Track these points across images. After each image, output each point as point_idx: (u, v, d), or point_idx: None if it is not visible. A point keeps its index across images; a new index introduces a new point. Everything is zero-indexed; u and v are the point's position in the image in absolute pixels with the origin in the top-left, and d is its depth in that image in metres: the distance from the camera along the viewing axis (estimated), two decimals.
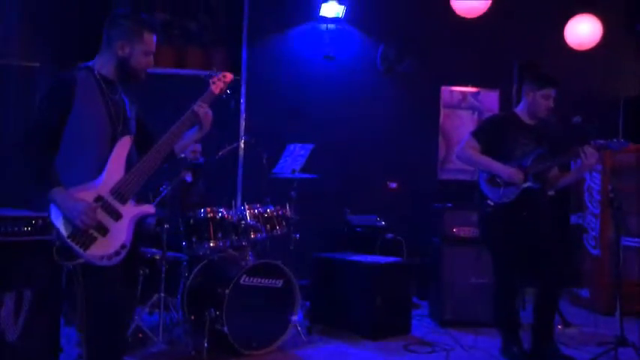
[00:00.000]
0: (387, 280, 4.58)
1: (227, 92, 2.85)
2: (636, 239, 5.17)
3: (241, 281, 3.94)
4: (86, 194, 2.45)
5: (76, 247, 2.40)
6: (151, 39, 2.63)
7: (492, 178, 3.85)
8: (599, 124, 3.91)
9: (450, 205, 5.06)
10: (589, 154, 3.65)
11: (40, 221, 3.15)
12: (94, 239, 2.43)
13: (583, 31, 5.83)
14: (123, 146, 2.56)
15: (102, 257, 2.43)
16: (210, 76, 2.82)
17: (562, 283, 4.06)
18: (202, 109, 2.71)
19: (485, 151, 3.86)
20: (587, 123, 3.93)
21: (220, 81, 2.82)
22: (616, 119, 6.79)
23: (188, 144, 2.83)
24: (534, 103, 3.85)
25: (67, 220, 2.40)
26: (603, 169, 5.66)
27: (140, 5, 5.86)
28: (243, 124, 6.03)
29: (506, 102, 6.54)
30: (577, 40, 5.90)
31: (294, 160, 4.81)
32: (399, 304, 4.65)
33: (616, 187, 4.70)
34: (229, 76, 2.86)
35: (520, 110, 3.97)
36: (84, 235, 2.41)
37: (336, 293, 4.76)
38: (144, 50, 2.61)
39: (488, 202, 3.85)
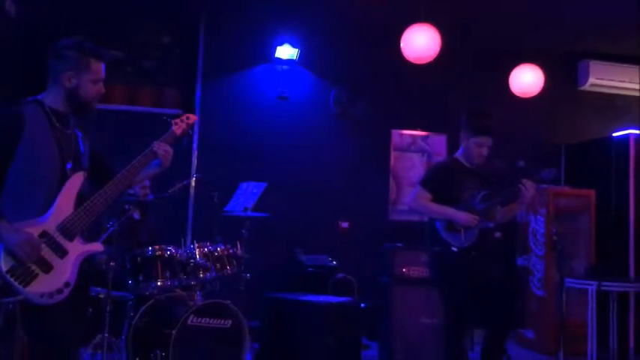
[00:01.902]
0: (337, 321, 4.55)
1: (189, 133, 2.85)
2: (579, 280, 5.32)
3: (189, 321, 3.84)
4: (31, 229, 2.36)
5: (15, 283, 2.30)
6: (98, 67, 2.57)
7: (450, 225, 3.89)
8: (542, 169, 4.06)
9: (400, 245, 5.11)
10: (528, 186, 3.80)
11: None
12: (36, 275, 2.34)
13: (526, 80, 6.08)
14: (74, 182, 2.49)
15: (42, 295, 2.33)
16: (173, 117, 2.80)
17: (511, 324, 4.11)
18: (162, 148, 2.68)
19: (436, 198, 3.94)
20: (531, 167, 4.08)
21: (183, 122, 2.80)
22: (558, 165, 7.07)
23: (145, 177, 2.80)
24: (467, 149, 3.97)
25: (8, 254, 2.30)
26: (547, 212, 5.85)
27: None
28: (195, 161, 5.99)
29: (454, 146, 6.72)
30: (521, 89, 6.15)
31: (246, 198, 4.79)
32: (349, 345, 4.62)
33: (559, 230, 4.87)
34: (193, 118, 2.85)
35: (459, 155, 4.08)
36: (25, 270, 2.32)
37: (286, 334, 4.70)
38: (92, 79, 2.55)
39: (452, 248, 3.88)
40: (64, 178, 2.47)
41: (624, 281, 5.43)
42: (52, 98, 2.55)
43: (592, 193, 6.14)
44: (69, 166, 2.50)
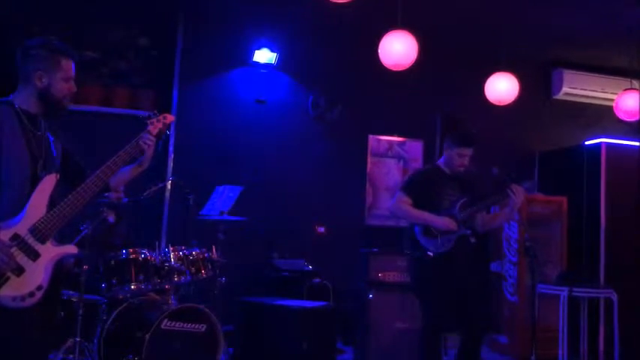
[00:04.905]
0: (313, 325, 4.55)
1: (167, 134, 2.81)
2: (551, 287, 5.40)
3: (162, 325, 3.81)
4: (1, 233, 2.32)
5: None
6: (68, 64, 2.55)
7: (428, 230, 3.93)
8: (516, 175, 4.11)
9: (375, 250, 5.14)
10: (517, 191, 3.86)
11: None
12: (7, 279, 2.29)
13: (501, 88, 6.16)
14: (47, 184, 2.45)
15: (15, 298, 2.29)
16: (149, 117, 2.76)
17: (486, 329, 4.15)
18: (147, 139, 2.66)
19: (416, 203, 3.98)
20: (505, 173, 4.13)
21: (160, 122, 2.76)
22: (532, 172, 7.18)
23: (123, 182, 2.77)
24: (450, 159, 4.05)
25: None
26: (520, 218, 5.92)
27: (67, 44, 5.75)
28: (170, 164, 5.94)
29: (430, 152, 6.80)
30: (496, 96, 6.22)
31: (222, 201, 4.77)
32: (325, 349, 4.62)
33: (532, 237, 4.93)
34: (170, 118, 2.81)
35: (442, 163, 4.14)
36: None
37: (261, 338, 4.69)
38: (63, 77, 2.52)
39: (429, 252, 3.91)
40: (35, 180, 2.43)
41: (594, 287, 5.53)
42: (23, 99, 2.51)
43: (564, 200, 6.24)
44: (40, 167, 2.46)
